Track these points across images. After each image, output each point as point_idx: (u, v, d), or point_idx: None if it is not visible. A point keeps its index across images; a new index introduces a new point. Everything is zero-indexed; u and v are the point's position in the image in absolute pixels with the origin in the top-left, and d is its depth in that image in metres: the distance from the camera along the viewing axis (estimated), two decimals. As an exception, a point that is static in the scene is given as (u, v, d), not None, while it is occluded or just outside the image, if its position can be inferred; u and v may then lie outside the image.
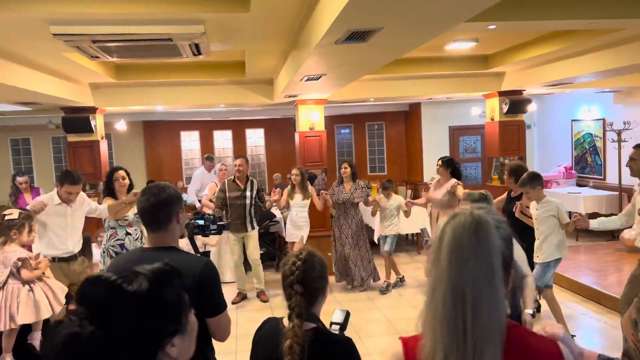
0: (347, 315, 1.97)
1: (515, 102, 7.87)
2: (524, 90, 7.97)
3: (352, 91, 7.61)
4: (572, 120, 10.10)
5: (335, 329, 1.90)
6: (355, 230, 6.50)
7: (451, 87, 8.00)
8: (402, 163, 12.68)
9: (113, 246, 4.83)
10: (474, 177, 11.59)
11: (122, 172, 5.06)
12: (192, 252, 2.61)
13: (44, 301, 3.36)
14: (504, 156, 8.27)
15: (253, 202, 6.19)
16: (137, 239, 4.93)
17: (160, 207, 2.10)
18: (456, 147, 11.52)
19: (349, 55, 4.19)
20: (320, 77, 5.35)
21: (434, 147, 11.26)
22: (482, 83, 7.88)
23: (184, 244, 2.84)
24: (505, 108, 7.92)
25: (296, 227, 6.51)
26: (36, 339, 3.39)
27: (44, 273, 3.57)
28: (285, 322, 1.85)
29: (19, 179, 6.63)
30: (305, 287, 1.81)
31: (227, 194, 6.17)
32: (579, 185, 9.77)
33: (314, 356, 1.72)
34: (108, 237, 4.90)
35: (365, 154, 12.64)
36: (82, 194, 4.65)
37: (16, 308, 3.23)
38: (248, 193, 6.16)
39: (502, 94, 7.98)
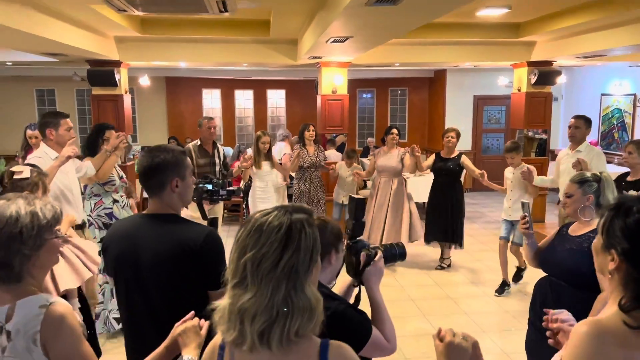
0: None
1: (544, 73, 7.68)
2: (554, 61, 7.76)
3: (378, 55, 7.49)
4: (602, 95, 9.84)
5: None
6: (321, 194, 6.37)
7: (479, 55, 7.81)
8: (423, 131, 12.56)
9: (100, 216, 4.22)
10: (496, 148, 11.45)
11: (114, 132, 4.35)
12: (200, 218, 2.46)
13: (79, 263, 2.90)
14: (529, 128, 8.14)
15: (220, 169, 5.57)
16: (123, 206, 4.38)
17: (151, 172, 1.95)
18: (480, 117, 11.34)
19: (378, 18, 4.11)
20: (346, 39, 5.27)
21: (457, 116, 11.10)
22: (512, 52, 7.68)
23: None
24: (534, 79, 7.74)
25: (264, 200, 5.87)
26: (74, 307, 2.88)
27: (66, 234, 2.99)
28: None
29: (30, 132, 5.31)
30: None
31: (195, 161, 5.33)
32: (603, 161, 9.60)
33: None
34: (92, 205, 4.23)
35: (387, 120, 12.52)
36: None
37: (50, 277, 2.75)
38: (217, 160, 5.52)
39: (531, 64, 7.78)
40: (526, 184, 5.09)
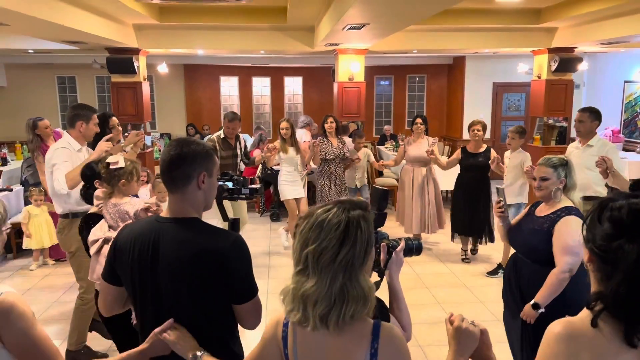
0: None
1: (565, 60, 7.54)
2: (575, 47, 7.61)
3: (395, 42, 7.44)
4: (625, 82, 9.63)
5: None
6: (345, 185, 6.32)
7: (499, 42, 7.70)
8: (441, 118, 12.45)
9: None
10: (515, 136, 11.30)
11: (116, 119, 4.33)
12: (221, 218, 2.34)
13: None
14: (549, 116, 8.02)
15: (240, 159, 5.82)
16: None
17: (179, 162, 1.74)
18: (499, 104, 11.19)
19: (395, 4, 4.08)
20: (363, 26, 5.24)
21: (476, 103, 10.97)
22: (532, 38, 7.56)
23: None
24: (554, 66, 7.61)
25: (292, 184, 6.04)
26: None
27: None
28: None
29: (41, 122, 5.46)
30: None
31: (218, 153, 5.41)
32: (625, 150, 9.42)
33: None
34: None
35: (405, 107, 12.43)
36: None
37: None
38: (238, 152, 5.75)
39: (552, 50, 7.65)
40: (520, 168, 5.11)
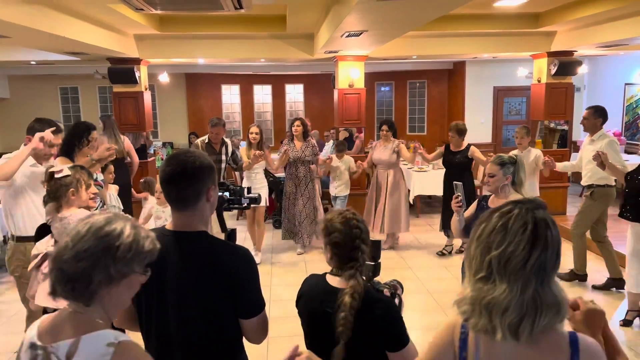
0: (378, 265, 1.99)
1: (565, 64, 7.55)
2: (575, 51, 7.62)
3: (395, 48, 7.46)
4: (626, 84, 9.64)
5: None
6: (310, 189, 6.34)
7: (498, 46, 7.72)
8: (442, 123, 12.46)
9: None
10: (517, 140, 11.31)
11: (96, 133, 3.91)
12: (219, 229, 2.35)
13: None
14: (550, 120, 8.02)
15: (226, 165, 5.92)
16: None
17: (186, 183, 1.70)
18: (500, 108, 11.21)
19: (391, 12, 4.10)
20: (361, 33, 5.27)
21: (476, 107, 10.99)
22: (531, 42, 7.57)
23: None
24: (554, 69, 7.61)
25: (255, 189, 6.01)
26: None
27: None
28: (329, 278, 1.90)
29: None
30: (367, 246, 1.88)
31: None
32: (627, 152, 9.41)
33: (360, 311, 1.76)
34: None
35: (405, 113, 12.45)
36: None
37: None
38: (223, 157, 5.82)
39: (551, 54, 7.66)
40: (535, 168, 5.55)
